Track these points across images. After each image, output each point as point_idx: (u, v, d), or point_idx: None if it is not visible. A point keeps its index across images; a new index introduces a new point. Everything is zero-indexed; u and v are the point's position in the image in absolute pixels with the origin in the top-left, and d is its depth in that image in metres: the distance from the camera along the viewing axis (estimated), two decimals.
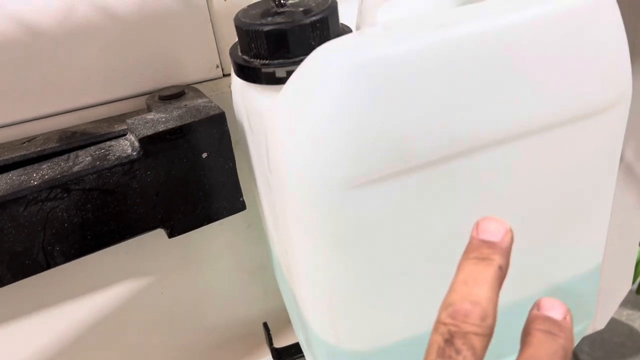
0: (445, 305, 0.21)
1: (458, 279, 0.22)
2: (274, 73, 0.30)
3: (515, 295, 0.37)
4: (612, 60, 0.30)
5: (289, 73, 0.29)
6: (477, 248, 0.23)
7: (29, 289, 0.41)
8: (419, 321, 0.34)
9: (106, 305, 0.45)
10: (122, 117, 0.40)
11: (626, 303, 1.15)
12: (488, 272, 0.22)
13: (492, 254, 0.22)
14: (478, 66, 0.27)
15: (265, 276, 0.53)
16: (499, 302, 0.29)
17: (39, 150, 0.37)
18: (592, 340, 1.09)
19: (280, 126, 0.29)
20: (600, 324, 0.79)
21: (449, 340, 0.20)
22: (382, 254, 0.30)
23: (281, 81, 0.29)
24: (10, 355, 0.42)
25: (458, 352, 0.20)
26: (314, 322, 0.35)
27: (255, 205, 0.45)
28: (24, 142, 0.38)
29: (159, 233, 0.40)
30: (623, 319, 1.13)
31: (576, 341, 0.45)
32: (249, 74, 0.31)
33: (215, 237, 0.48)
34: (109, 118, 0.41)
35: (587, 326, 0.43)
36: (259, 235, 0.51)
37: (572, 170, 0.32)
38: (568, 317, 0.23)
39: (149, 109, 0.40)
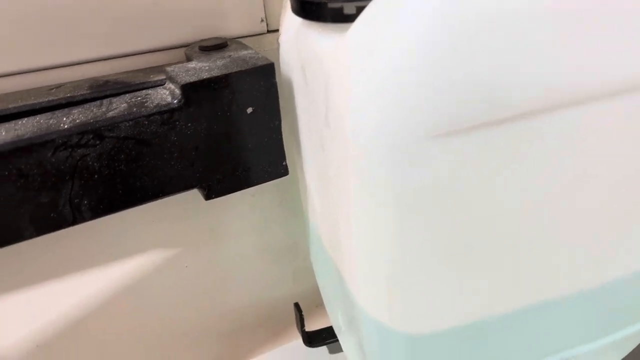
0: None
1: None
2: (341, 9, 0.26)
3: (592, 283, 0.33)
4: None
5: (360, 9, 0.25)
6: None
7: (50, 248, 0.38)
8: (488, 304, 0.31)
9: (129, 273, 0.42)
10: (158, 68, 0.37)
11: None
12: None
13: None
14: (581, 12, 0.24)
15: (295, 256, 0.49)
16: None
17: (68, 97, 0.34)
18: None
19: (348, 69, 0.25)
20: None
21: None
22: (453, 221, 0.27)
23: (349, 18, 0.26)
24: (28, 318, 0.39)
25: None
26: (365, 299, 0.32)
27: (288, 182, 0.41)
28: (52, 89, 0.35)
29: (189, 201, 0.37)
30: None
31: (634, 344, 0.41)
32: (311, 10, 0.27)
33: (246, 212, 0.45)
34: (144, 69, 0.37)
35: None
36: (291, 213, 0.47)
37: None
38: None
39: (188, 60, 0.37)
